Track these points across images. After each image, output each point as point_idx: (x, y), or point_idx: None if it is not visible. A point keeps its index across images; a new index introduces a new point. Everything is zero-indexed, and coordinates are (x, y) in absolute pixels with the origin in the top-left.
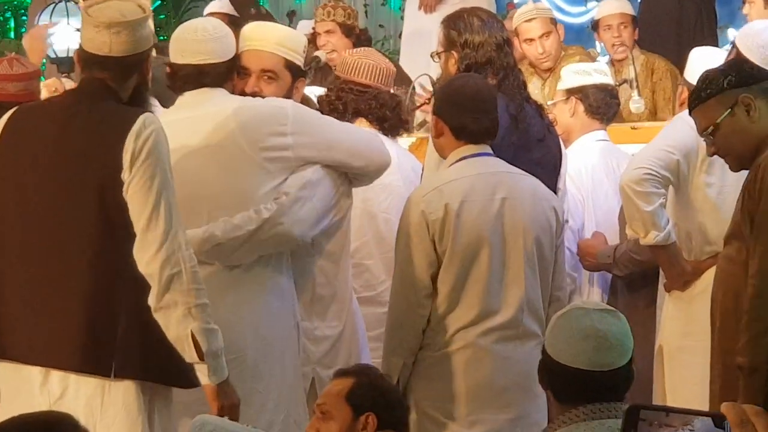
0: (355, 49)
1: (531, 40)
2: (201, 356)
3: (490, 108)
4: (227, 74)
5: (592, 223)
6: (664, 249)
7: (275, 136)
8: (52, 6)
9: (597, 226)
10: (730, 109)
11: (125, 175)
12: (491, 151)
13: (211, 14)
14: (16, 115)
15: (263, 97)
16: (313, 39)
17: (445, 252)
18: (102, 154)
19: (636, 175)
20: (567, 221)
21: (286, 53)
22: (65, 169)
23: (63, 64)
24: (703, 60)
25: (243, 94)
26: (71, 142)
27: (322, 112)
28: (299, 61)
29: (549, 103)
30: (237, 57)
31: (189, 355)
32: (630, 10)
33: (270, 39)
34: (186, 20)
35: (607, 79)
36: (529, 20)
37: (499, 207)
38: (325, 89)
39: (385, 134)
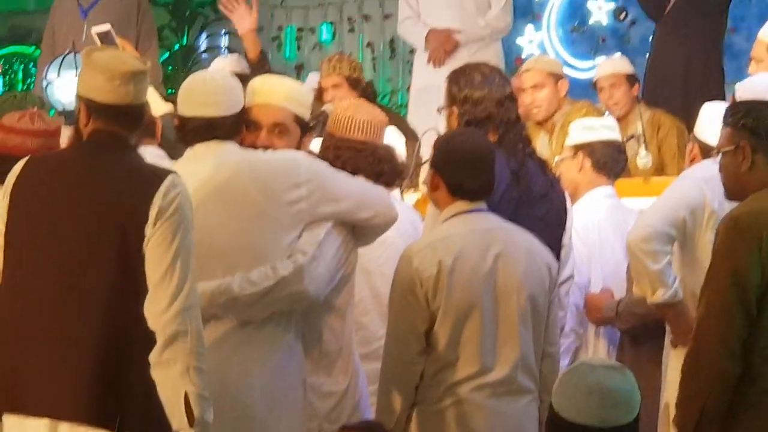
0: (343, 103)
1: (523, 90)
2: (191, 422)
3: (488, 167)
4: (237, 127)
5: (599, 278)
6: (672, 307)
7: (290, 189)
8: (61, 58)
9: (604, 282)
10: (734, 147)
11: (148, 230)
12: (486, 207)
13: None
14: (30, 165)
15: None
16: (318, 94)
17: (439, 308)
18: (128, 207)
19: (643, 234)
20: (572, 277)
21: (296, 108)
22: (85, 219)
23: (70, 116)
24: (713, 115)
25: (254, 147)
26: (93, 193)
27: None
28: (307, 116)
29: (556, 158)
30: (245, 110)
31: (178, 419)
32: (624, 68)
33: (280, 93)
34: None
35: (615, 134)
36: (525, 71)
37: (492, 264)
38: (320, 146)
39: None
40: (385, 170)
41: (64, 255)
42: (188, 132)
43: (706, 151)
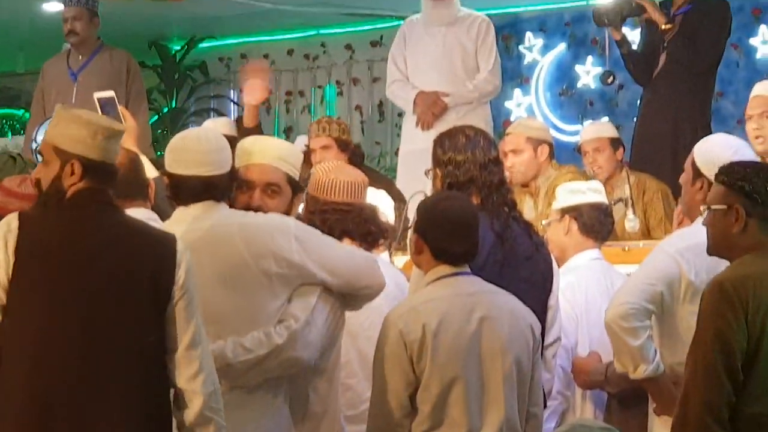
0: (323, 166)
1: (504, 153)
2: None
3: (472, 231)
4: (230, 186)
5: (585, 340)
6: (654, 380)
7: (280, 254)
8: (50, 120)
9: (591, 344)
10: (727, 207)
11: (177, 292)
12: (469, 270)
13: None
14: (29, 222)
15: (266, 211)
16: (307, 156)
17: (423, 372)
18: (155, 267)
19: (621, 311)
20: (560, 339)
21: (288, 168)
22: (112, 280)
23: None
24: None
25: (247, 207)
26: (117, 254)
27: None
28: (297, 176)
29: (543, 222)
30: (235, 170)
31: None
32: (607, 133)
33: (272, 153)
34: None
35: (601, 197)
36: (507, 134)
37: (477, 327)
38: (303, 210)
39: (369, 248)
40: (371, 230)
41: (92, 318)
42: (183, 191)
43: None
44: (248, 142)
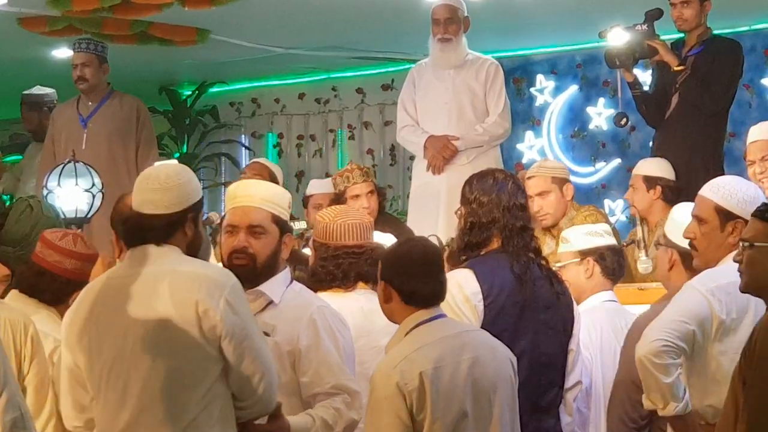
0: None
1: (530, 197)
2: None
3: (439, 271)
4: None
5: (600, 381)
6: (682, 419)
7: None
8: (61, 166)
9: (605, 385)
10: None
11: None
12: (443, 312)
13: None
14: None
15: (252, 253)
16: (337, 198)
17: (424, 420)
18: None
19: (654, 348)
20: (581, 382)
21: (273, 208)
22: None
23: (71, 225)
24: (687, 218)
25: (232, 251)
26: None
27: (320, 282)
28: (286, 216)
29: (557, 264)
30: (193, 209)
31: None
32: (644, 170)
33: (256, 195)
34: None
35: (613, 240)
36: (530, 177)
37: (468, 368)
38: (312, 259)
39: None
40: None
41: None
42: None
43: (687, 257)
44: (234, 187)
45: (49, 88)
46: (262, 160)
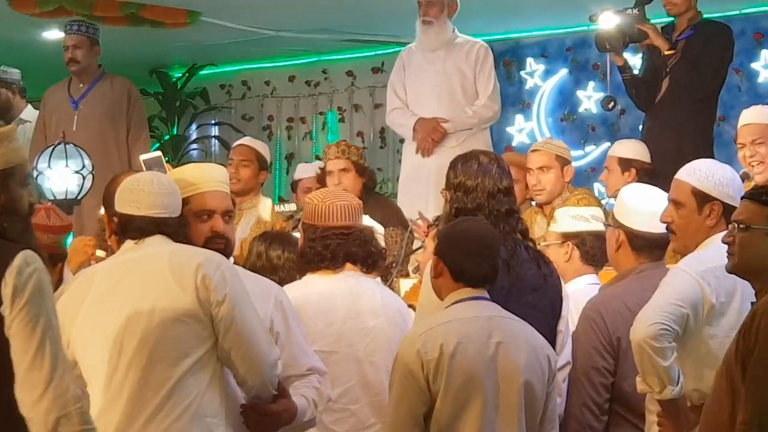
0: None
1: (530, 170)
2: None
3: (493, 254)
4: (180, 230)
5: None
6: (675, 402)
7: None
8: (51, 148)
9: None
10: None
11: (5, 311)
12: (488, 296)
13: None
14: None
15: (228, 237)
16: (320, 178)
17: (439, 392)
18: None
19: (653, 331)
20: (570, 363)
21: (229, 190)
22: None
23: (60, 206)
24: (639, 200)
25: (213, 235)
26: None
27: (309, 263)
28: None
29: (542, 243)
30: (184, 215)
31: None
32: (619, 152)
33: (220, 179)
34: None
35: (602, 227)
36: (534, 151)
37: (494, 351)
38: (301, 240)
39: (368, 271)
40: (372, 252)
41: None
42: (131, 229)
43: (634, 238)
44: (194, 173)
45: (16, 69)
46: (246, 140)
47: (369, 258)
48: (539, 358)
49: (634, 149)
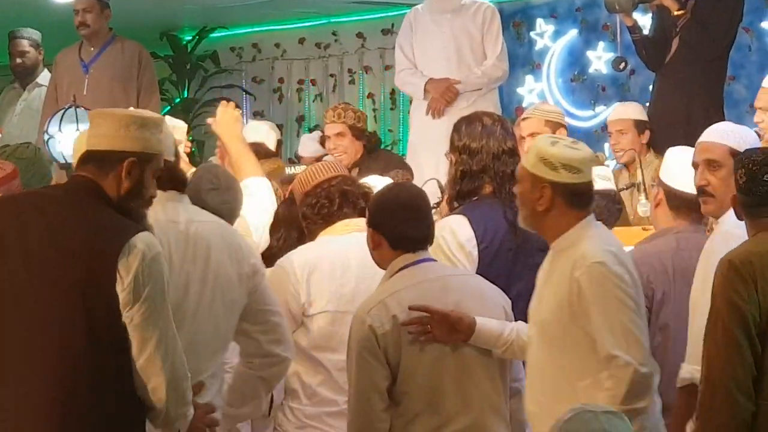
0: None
1: (523, 137)
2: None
3: (426, 215)
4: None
5: None
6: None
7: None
8: (62, 112)
9: None
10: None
11: (121, 292)
12: (431, 256)
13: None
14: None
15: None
16: (322, 142)
17: (399, 363)
18: (94, 261)
19: None
20: None
21: None
22: (49, 266)
23: (71, 170)
24: (680, 160)
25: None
26: (60, 240)
27: (312, 221)
28: None
29: None
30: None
31: None
32: (633, 114)
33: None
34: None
35: (610, 184)
36: (525, 118)
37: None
38: (300, 209)
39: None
40: (366, 192)
41: (23, 301)
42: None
43: (671, 197)
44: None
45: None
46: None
47: (358, 202)
48: (495, 308)
49: (642, 111)
